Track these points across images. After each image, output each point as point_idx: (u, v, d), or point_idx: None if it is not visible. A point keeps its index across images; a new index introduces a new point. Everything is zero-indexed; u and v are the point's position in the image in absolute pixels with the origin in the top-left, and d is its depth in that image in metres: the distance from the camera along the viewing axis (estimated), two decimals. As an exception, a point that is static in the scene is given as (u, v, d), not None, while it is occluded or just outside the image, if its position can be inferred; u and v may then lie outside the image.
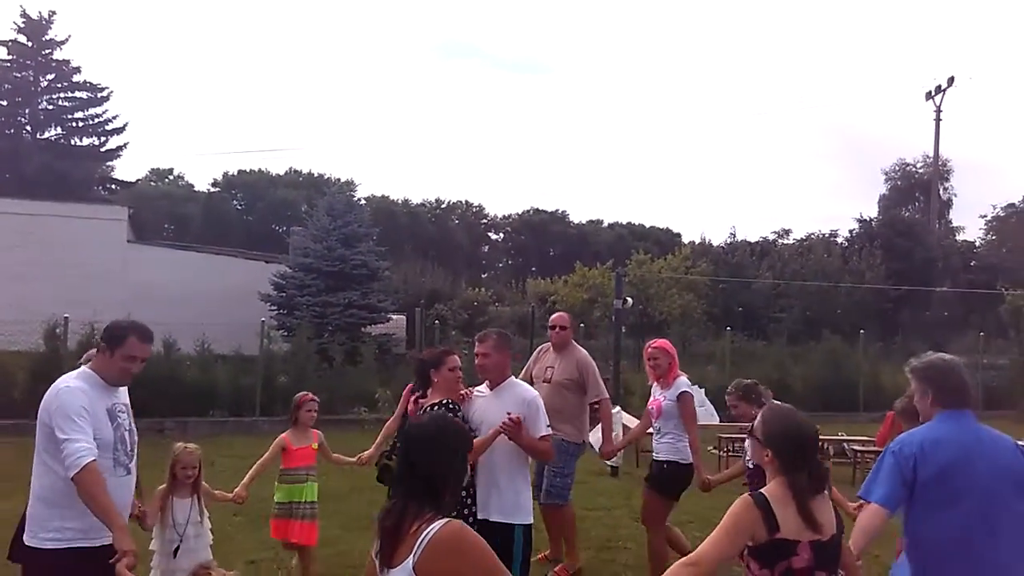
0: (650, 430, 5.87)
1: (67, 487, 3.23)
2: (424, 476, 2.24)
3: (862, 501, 3.30)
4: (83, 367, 3.55)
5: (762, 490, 2.72)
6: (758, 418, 2.99)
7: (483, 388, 4.52)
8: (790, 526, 2.61)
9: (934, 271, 32.65)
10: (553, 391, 5.95)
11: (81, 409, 3.28)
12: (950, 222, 46.05)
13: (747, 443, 4.98)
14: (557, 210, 61.48)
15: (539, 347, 6.57)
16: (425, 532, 2.14)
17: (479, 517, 4.14)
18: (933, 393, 3.29)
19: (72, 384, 3.38)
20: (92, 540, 3.24)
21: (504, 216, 63.19)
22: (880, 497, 3.11)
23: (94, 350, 3.74)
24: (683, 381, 5.63)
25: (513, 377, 4.50)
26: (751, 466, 5.13)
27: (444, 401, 4.26)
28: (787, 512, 2.62)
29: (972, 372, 19.65)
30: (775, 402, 3.31)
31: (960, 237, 44.16)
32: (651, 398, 5.81)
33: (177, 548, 4.31)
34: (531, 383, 5.62)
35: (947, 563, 3.05)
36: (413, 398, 5.02)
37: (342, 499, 7.78)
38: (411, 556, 2.13)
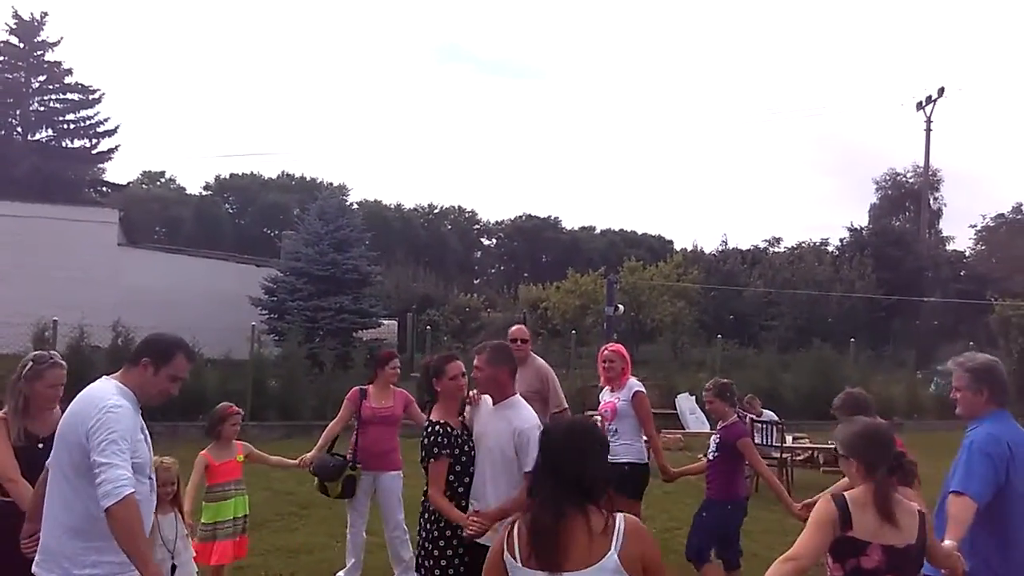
0: None
1: (93, 518, 2.92)
2: (573, 478, 2.31)
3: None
4: (114, 381, 3.12)
5: (846, 492, 2.90)
6: (838, 434, 3.13)
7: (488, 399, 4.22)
8: (864, 527, 2.76)
9: (924, 280, 32.80)
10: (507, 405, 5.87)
11: (127, 433, 2.93)
12: (940, 232, 46.32)
13: (713, 437, 5.53)
14: (549, 216, 61.59)
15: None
16: (616, 525, 2.29)
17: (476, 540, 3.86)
18: (989, 392, 3.44)
19: (120, 402, 2.99)
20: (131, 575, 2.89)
21: (497, 222, 63.26)
22: (976, 493, 3.21)
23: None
24: (635, 382, 5.83)
25: (518, 396, 4.05)
26: (711, 457, 5.40)
27: (441, 424, 4.03)
28: (864, 514, 2.77)
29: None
30: (861, 418, 3.23)
31: (950, 247, 44.43)
32: (602, 401, 5.95)
33: (173, 567, 4.17)
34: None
35: None
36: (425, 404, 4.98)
37: (328, 505, 7.74)
38: (612, 550, 2.26)
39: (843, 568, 2.79)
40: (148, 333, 3.46)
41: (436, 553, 3.98)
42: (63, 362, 3.93)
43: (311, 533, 7.20)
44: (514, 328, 6.25)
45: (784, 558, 2.74)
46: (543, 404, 5.84)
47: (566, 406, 6.07)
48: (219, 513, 4.96)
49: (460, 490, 3.97)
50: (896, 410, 16.21)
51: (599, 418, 5.84)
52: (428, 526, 4.04)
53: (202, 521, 4.95)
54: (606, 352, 5.93)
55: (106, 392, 3.02)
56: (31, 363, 3.78)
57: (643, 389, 5.83)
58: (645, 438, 5.87)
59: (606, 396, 5.90)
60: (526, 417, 3.87)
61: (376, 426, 5.66)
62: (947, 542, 3.07)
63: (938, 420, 16.01)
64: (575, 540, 2.23)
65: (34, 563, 2.96)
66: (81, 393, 3.07)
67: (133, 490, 2.81)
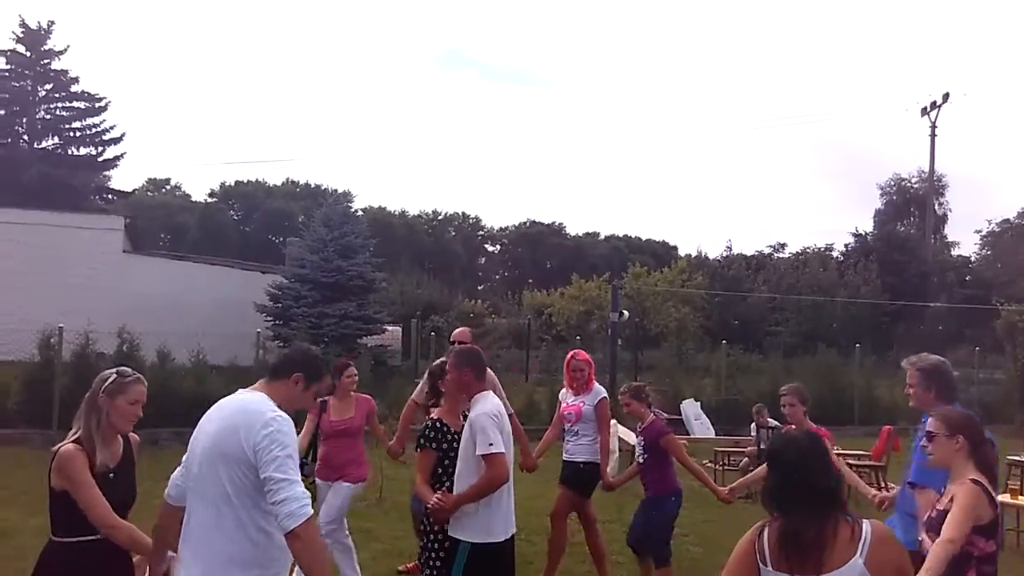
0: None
1: (271, 543, 2.65)
2: (825, 489, 2.46)
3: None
4: (261, 393, 2.83)
5: (970, 477, 3.18)
6: (937, 421, 3.39)
7: None
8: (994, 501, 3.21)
9: (929, 286, 32.76)
10: None
11: (294, 448, 2.71)
12: (945, 237, 46.28)
13: (637, 439, 5.80)
14: (554, 222, 61.68)
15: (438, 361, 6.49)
16: (863, 532, 2.41)
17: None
18: (936, 388, 3.97)
19: (284, 415, 2.74)
20: None
21: (501, 228, 63.35)
22: (936, 487, 3.63)
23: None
24: (601, 388, 6.15)
25: (484, 392, 4.10)
26: (641, 461, 5.67)
27: (435, 421, 4.25)
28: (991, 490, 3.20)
29: (967, 387, 19.79)
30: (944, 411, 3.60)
31: (955, 252, 44.38)
32: (563, 403, 6.16)
33: None
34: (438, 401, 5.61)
35: None
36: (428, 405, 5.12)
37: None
38: (858, 555, 2.37)
39: (995, 543, 3.18)
40: (296, 345, 3.27)
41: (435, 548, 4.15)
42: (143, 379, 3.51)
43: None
44: (457, 331, 6.35)
45: (943, 540, 3.04)
46: None
47: (512, 411, 5.98)
48: None
49: (448, 485, 4.12)
50: (902, 416, 16.15)
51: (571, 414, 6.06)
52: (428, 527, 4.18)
53: None
54: (574, 361, 6.14)
55: (264, 404, 2.76)
56: (114, 376, 3.34)
57: (607, 396, 6.12)
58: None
59: (568, 399, 6.15)
60: (480, 407, 3.99)
61: (336, 438, 5.69)
62: (921, 537, 3.41)
63: (944, 426, 15.94)
64: (828, 547, 2.38)
65: None
66: (228, 406, 2.78)
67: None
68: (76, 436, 3.20)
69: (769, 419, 11.19)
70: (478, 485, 3.84)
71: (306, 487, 4.85)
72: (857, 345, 19.11)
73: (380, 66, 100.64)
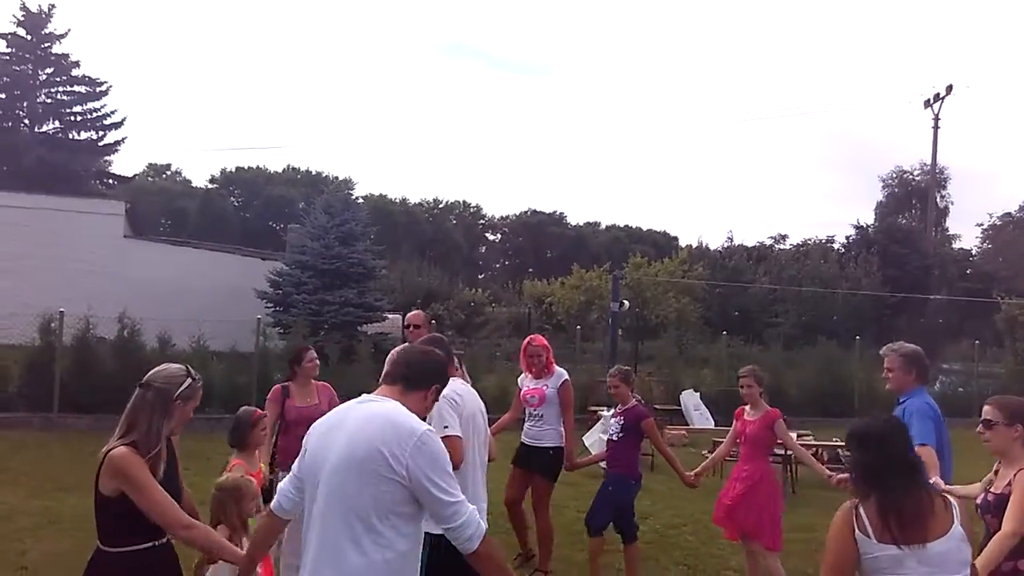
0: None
1: (405, 563, 2.52)
2: (914, 462, 2.67)
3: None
4: (397, 403, 2.63)
5: None
6: (995, 408, 3.50)
7: None
8: None
9: (930, 278, 32.73)
10: None
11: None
12: (947, 230, 46.19)
13: (612, 419, 5.91)
14: (555, 212, 61.65)
15: (395, 350, 6.36)
16: (951, 502, 2.62)
17: None
18: (916, 372, 4.52)
19: (431, 428, 2.59)
20: None
21: (502, 217, 63.31)
22: (933, 442, 4.20)
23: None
24: (562, 371, 6.16)
25: (451, 380, 4.01)
26: (616, 438, 5.73)
27: None
28: None
29: (967, 380, 19.79)
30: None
31: (956, 245, 44.33)
32: (524, 388, 6.15)
33: None
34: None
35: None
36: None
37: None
38: (955, 522, 2.58)
39: None
40: (430, 352, 3.02)
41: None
42: None
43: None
44: (411, 314, 6.29)
45: (1006, 534, 3.15)
46: None
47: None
48: None
49: None
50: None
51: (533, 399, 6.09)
52: None
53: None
54: (531, 347, 6.12)
55: (412, 418, 2.56)
56: (188, 379, 3.06)
57: (569, 379, 6.17)
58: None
59: (529, 383, 6.14)
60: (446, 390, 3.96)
61: (301, 426, 5.32)
62: (934, 479, 3.69)
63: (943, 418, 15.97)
64: (929, 516, 2.55)
65: None
66: (367, 417, 2.54)
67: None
68: (130, 439, 2.91)
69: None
70: None
71: (271, 481, 4.70)
72: (857, 337, 19.10)
73: (382, 54, 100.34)
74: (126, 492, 2.81)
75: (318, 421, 2.71)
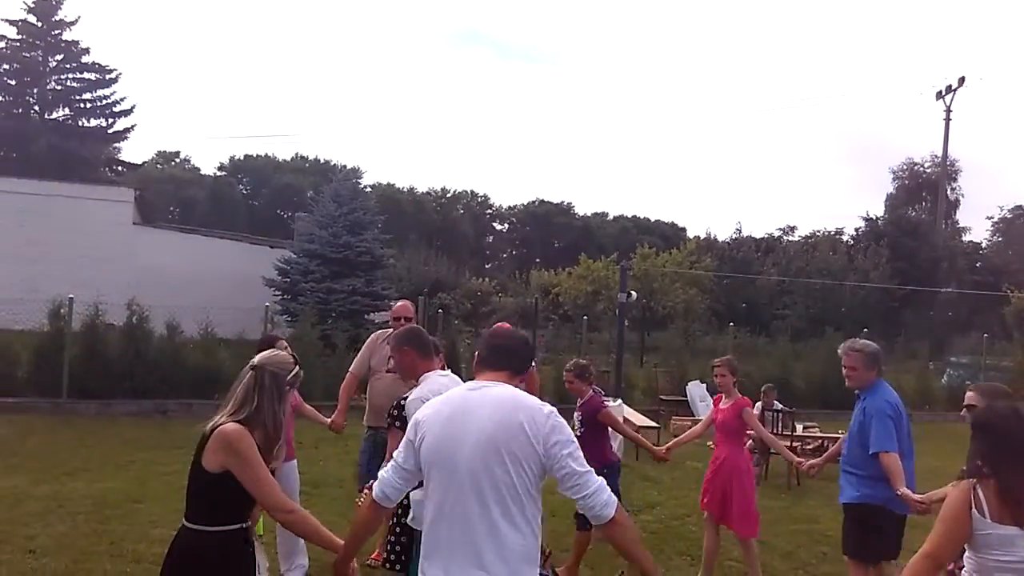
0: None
1: (538, 537, 2.59)
2: None
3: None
4: (504, 384, 2.69)
5: None
6: (975, 394, 3.69)
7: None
8: None
9: (939, 271, 32.56)
10: (398, 383, 5.50)
11: None
12: (957, 222, 45.93)
13: (576, 415, 5.99)
14: (562, 202, 61.43)
15: (374, 335, 6.24)
16: None
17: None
18: (876, 369, 4.83)
19: None
20: None
21: (509, 207, 63.15)
22: (895, 449, 4.48)
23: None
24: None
25: (428, 373, 4.03)
26: (579, 433, 5.65)
27: (403, 400, 4.22)
28: None
29: (975, 373, 19.71)
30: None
31: (966, 238, 44.06)
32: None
33: None
34: (368, 373, 5.98)
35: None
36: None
37: (339, 484, 7.81)
38: None
39: None
40: (515, 334, 3.12)
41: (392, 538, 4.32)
42: None
43: (321, 511, 7.24)
44: (399, 305, 6.15)
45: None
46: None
47: None
48: None
49: None
50: (908, 401, 16.07)
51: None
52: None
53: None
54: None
55: (532, 397, 2.67)
56: (296, 367, 3.03)
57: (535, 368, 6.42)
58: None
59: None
60: (416, 391, 3.91)
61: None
62: (902, 490, 4.28)
63: (949, 411, 15.91)
64: None
65: None
66: (494, 401, 2.60)
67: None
68: (240, 417, 2.84)
69: (776, 401, 11.18)
70: None
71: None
72: (865, 330, 19.02)
73: (391, 42, 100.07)
74: (232, 469, 2.75)
75: (429, 411, 2.68)
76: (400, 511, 4.31)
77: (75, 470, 8.26)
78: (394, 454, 2.76)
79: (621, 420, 9.83)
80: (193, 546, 2.82)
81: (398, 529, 4.24)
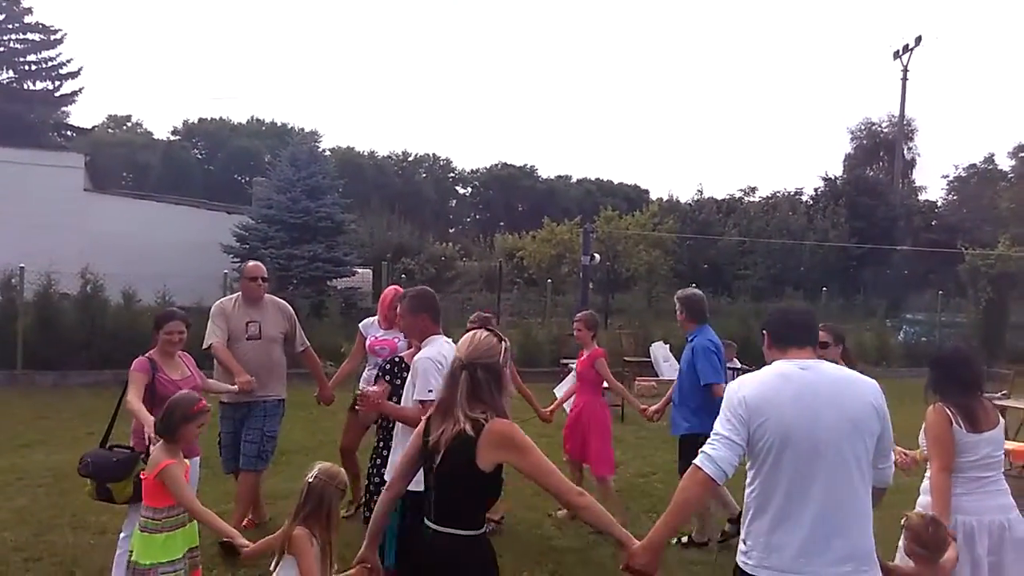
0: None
1: None
2: (974, 379, 3.83)
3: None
4: (824, 362, 2.90)
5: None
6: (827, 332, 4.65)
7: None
8: None
9: (896, 230, 33.13)
10: (265, 347, 5.66)
11: None
12: (913, 181, 46.71)
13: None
14: (525, 165, 61.26)
15: (221, 301, 5.88)
16: (993, 405, 3.84)
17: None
18: (697, 316, 5.78)
19: None
20: None
21: (472, 170, 62.77)
22: (723, 380, 5.48)
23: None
24: None
25: (434, 336, 4.09)
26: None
27: (399, 358, 4.57)
28: None
29: (930, 330, 20.17)
30: None
31: (922, 197, 44.86)
32: (371, 337, 6.13)
33: None
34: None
35: None
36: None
37: (308, 452, 7.77)
38: (1001, 419, 3.82)
39: None
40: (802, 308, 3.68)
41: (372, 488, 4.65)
42: None
43: (289, 478, 7.20)
44: (252, 265, 5.86)
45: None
46: (283, 347, 5.83)
47: (308, 344, 6.05)
48: (168, 550, 3.64)
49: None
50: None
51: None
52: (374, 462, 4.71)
53: (139, 561, 3.63)
54: (394, 296, 5.99)
55: (858, 373, 2.99)
56: (503, 343, 2.94)
57: None
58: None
59: (377, 332, 6.14)
60: (426, 351, 4.01)
61: None
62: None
63: (906, 368, 16.33)
64: (989, 413, 3.73)
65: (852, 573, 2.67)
66: (840, 381, 2.80)
67: None
68: (479, 411, 2.77)
69: (736, 359, 11.31)
70: (406, 415, 3.95)
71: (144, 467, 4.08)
72: (824, 288, 19.35)
73: (348, 0, 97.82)
74: (513, 462, 2.73)
75: (761, 390, 2.78)
76: (380, 461, 4.61)
77: (33, 442, 8.10)
78: (722, 431, 2.76)
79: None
80: (477, 552, 2.77)
81: (377, 479, 4.52)
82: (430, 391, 3.74)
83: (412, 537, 2.99)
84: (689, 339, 5.72)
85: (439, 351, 3.93)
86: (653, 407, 6.28)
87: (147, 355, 4.75)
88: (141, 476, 3.84)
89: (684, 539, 5.90)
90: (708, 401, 5.31)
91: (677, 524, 2.88)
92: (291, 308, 5.96)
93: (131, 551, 3.75)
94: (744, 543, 2.80)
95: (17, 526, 5.66)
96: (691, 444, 5.17)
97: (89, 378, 11.67)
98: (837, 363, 5.50)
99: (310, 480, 3.12)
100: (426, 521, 2.79)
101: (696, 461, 2.77)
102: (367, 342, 6.13)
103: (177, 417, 3.71)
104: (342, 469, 3.38)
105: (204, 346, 5.58)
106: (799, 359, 2.85)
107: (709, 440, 2.79)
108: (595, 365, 6.32)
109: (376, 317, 6.25)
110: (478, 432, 2.69)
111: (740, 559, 2.80)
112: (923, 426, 3.76)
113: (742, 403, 2.77)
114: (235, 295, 5.89)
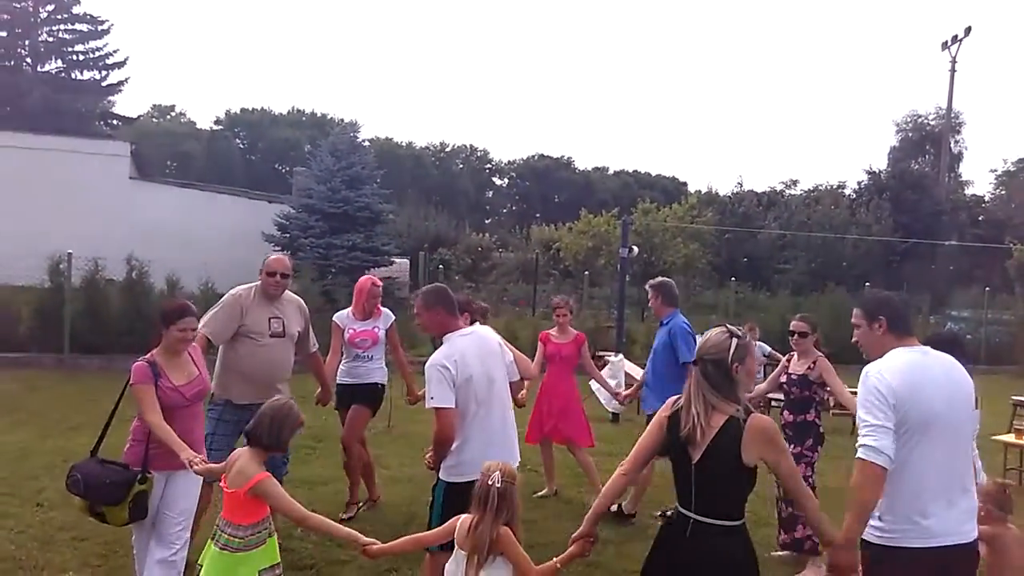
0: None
1: None
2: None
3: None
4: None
5: None
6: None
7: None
8: None
9: (941, 225, 32.39)
10: (286, 346, 5.10)
11: None
12: (960, 176, 45.59)
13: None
14: (563, 156, 61.09)
15: (234, 294, 5.16)
16: None
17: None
18: (669, 301, 6.16)
19: None
20: None
21: (509, 161, 62.76)
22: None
23: None
24: (388, 312, 6.23)
25: (450, 335, 4.05)
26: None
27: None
28: None
29: (975, 327, 19.72)
30: None
31: (969, 191, 43.81)
32: (350, 330, 6.02)
33: None
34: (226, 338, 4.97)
35: None
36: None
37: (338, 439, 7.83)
38: None
39: None
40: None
41: None
42: None
43: (325, 466, 7.30)
44: (274, 258, 5.25)
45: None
46: (302, 344, 5.29)
47: (317, 345, 5.56)
48: (253, 570, 3.34)
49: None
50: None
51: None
52: None
53: None
54: (375, 288, 6.08)
55: None
56: (734, 339, 2.95)
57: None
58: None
59: (355, 324, 6.05)
60: (435, 355, 3.96)
61: (181, 411, 4.12)
62: None
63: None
64: None
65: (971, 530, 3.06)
66: (951, 369, 3.12)
67: None
68: (735, 405, 2.90)
69: (759, 342, 10.96)
70: (433, 443, 3.94)
71: (143, 493, 3.92)
72: (867, 284, 18.98)
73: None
74: (769, 460, 2.83)
75: (911, 378, 2.98)
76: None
77: (80, 425, 8.29)
78: (875, 420, 2.91)
79: (623, 375, 9.93)
80: (743, 542, 2.87)
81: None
82: (432, 398, 3.83)
83: (667, 536, 3.04)
84: (664, 322, 6.11)
85: (448, 353, 3.90)
86: (626, 392, 6.75)
87: (147, 358, 4.08)
88: (227, 491, 3.39)
89: (613, 508, 6.14)
90: (683, 380, 5.35)
91: (864, 520, 2.95)
92: (305, 307, 5.41)
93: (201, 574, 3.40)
94: (880, 519, 2.96)
95: (64, 506, 5.80)
96: None
97: (134, 363, 11.92)
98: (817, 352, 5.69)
99: (497, 486, 3.09)
100: (683, 511, 2.88)
101: (861, 455, 2.89)
102: (346, 335, 6.01)
103: (287, 433, 3.50)
104: (512, 467, 3.32)
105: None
106: (915, 346, 3.13)
107: (864, 432, 2.93)
108: (582, 349, 6.73)
109: (350, 310, 6.12)
110: (741, 427, 2.79)
111: (879, 536, 2.96)
112: None
113: (890, 391, 2.94)
114: (252, 285, 5.19)
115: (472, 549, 3.05)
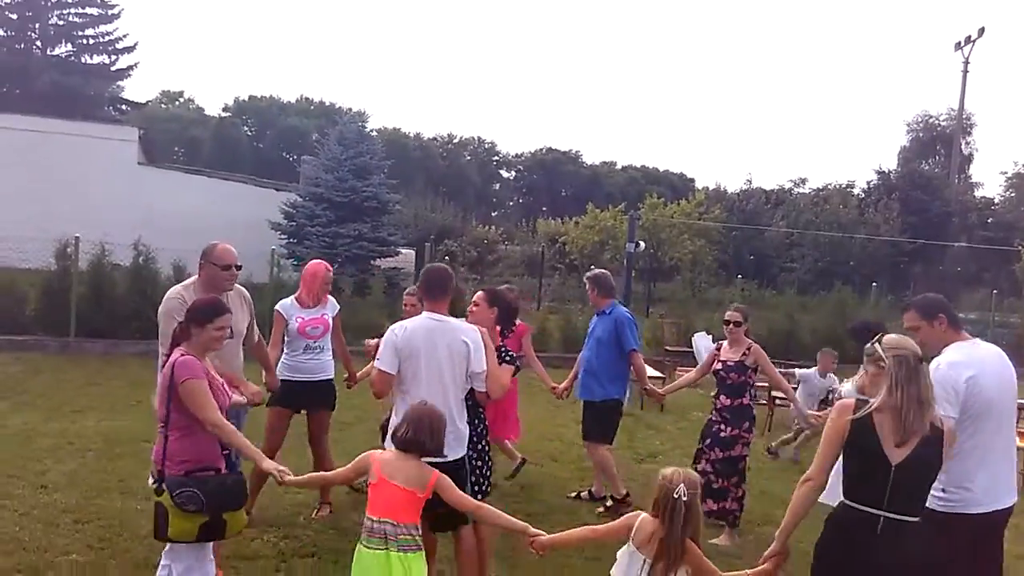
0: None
1: None
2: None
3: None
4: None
5: None
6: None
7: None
8: None
9: (950, 226, 32.24)
10: (236, 346, 4.62)
11: None
12: (970, 177, 45.36)
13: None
14: (570, 150, 60.94)
15: (177, 298, 4.34)
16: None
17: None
18: (606, 292, 6.28)
19: None
20: None
21: (516, 154, 62.64)
22: (639, 347, 6.34)
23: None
24: (335, 301, 5.86)
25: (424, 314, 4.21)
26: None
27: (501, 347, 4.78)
28: None
29: (983, 329, 19.65)
30: None
31: (979, 193, 43.56)
32: (301, 318, 5.56)
33: None
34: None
35: None
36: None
37: (345, 428, 7.83)
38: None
39: None
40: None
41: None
42: None
43: (339, 454, 7.28)
44: (223, 248, 4.63)
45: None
46: (248, 337, 4.84)
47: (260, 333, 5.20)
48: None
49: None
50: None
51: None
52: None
53: None
54: (328, 273, 5.74)
55: None
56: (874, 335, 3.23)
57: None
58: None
59: (303, 313, 5.58)
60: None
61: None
62: (648, 387, 6.46)
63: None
64: None
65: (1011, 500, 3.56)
66: (997, 351, 3.63)
67: None
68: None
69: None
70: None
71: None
72: (874, 283, 18.91)
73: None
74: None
75: (972, 369, 3.42)
76: (484, 447, 4.55)
77: (84, 408, 8.30)
78: (949, 413, 3.26)
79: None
80: (932, 532, 3.03)
81: (479, 462, 4.47)
82: (377, 359, 4.11)
83: (852, 532, 2.98)
84: (606, 312, 6.21)
85: (402, 323, 4.21)
86: (562, 385, 6.59)
87: (191, 354, 3.58)
88: (401, 492, 3.30)
89: (584, 494, 6.36)
90: (625, 369, 6.17)
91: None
92: (250, 296, 4.91)
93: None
94: (943, 491, 3.33)
95: (67, 489, 5.81)
96: (603, 408, 6.02)
97: (139, 348, 11.91)
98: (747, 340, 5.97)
99: (684, 498, 2.99)
100: (872, 511, 2.88)
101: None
102: (294, 325, 5.52)
103: (443, 436, 3.45)
104: (694, 475, 3.18)
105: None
106: (968, 340, 3.59)
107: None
108: (523, 341, 6.64)
109: (293, 298, 5.67)
110: (941, 430, 2.98)
111: (943, 504, 3.33)
112: None
113: (958, 386, 3.35)
114: (190, 281, 4.57)
115: (657, 558, 3.01)
